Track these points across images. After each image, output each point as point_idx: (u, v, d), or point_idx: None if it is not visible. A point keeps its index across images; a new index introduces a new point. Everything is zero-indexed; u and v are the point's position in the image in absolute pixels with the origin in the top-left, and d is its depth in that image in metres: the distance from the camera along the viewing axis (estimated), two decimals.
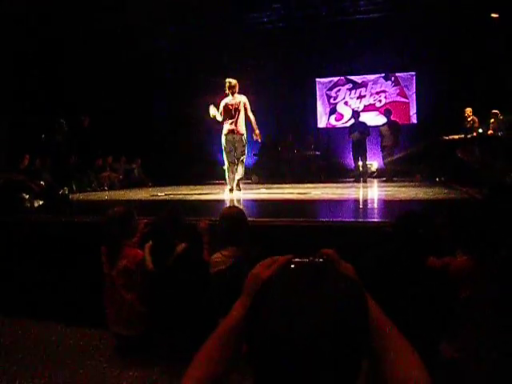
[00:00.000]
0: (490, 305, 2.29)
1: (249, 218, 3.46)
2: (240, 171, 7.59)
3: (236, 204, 6.11)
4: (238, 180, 7.67)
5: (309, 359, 0.76)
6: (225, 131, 7.44)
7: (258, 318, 0.85)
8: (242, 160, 7.57)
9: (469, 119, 10.53)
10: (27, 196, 8.57)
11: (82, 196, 9.43)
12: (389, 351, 0.91)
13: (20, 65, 10.59)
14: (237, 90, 7.47)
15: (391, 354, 0.90)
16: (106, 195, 9.69)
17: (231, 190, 7.58)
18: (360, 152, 11.66)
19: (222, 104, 7.46)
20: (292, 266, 0.93)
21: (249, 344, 0.87)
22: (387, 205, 6.10)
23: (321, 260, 0.95)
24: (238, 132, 7.38)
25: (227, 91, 7.46)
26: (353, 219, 4.01)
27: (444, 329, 2.32)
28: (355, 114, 12.41)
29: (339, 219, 3.99)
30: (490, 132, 9.58)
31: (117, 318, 3.46)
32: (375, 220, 4.05)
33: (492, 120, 9.79)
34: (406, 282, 2.30)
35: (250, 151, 7.63)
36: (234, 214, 3.26)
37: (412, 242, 2.50)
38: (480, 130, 9.79)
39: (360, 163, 11.98)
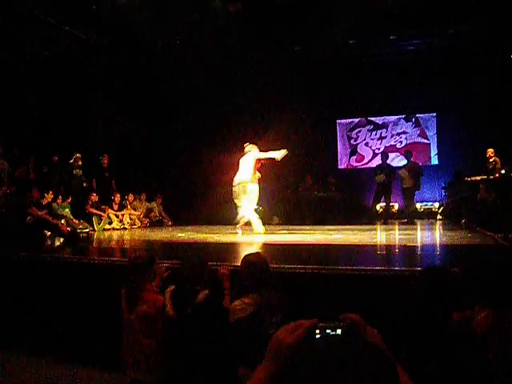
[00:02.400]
0: None
1: (271, 265, 3.44)
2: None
3: (258, 249, 6.07)
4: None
5: None
6: None
7: None
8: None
9: (491, 160, 10.37)
10: (49, 233, 8.70)
11: (102, 235, 9.51)
12: None
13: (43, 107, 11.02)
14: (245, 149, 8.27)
15: None
16: (126, 234, 9.75)
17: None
18: (384, 194, 11.46)
19: None
20: (317, 331, 0.92)
21: None
22: (409, 251, 5.93)
23: (346, 324, 0.94)
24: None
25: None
26: (374, 267, 3.94)
27: None
28: (383, 155, 12.04)
29: (361, 267, 3.94)
30: None
31: (135, 363, 3.39)
32: (398, 268, 3.99)
33: None
34: (433, 343, 2.21)
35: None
36: (255, 261, 3.23)
37: (435, 299, 2.44)
38: (503, 171, 9.65)
39: (382, 204, 11.89)
